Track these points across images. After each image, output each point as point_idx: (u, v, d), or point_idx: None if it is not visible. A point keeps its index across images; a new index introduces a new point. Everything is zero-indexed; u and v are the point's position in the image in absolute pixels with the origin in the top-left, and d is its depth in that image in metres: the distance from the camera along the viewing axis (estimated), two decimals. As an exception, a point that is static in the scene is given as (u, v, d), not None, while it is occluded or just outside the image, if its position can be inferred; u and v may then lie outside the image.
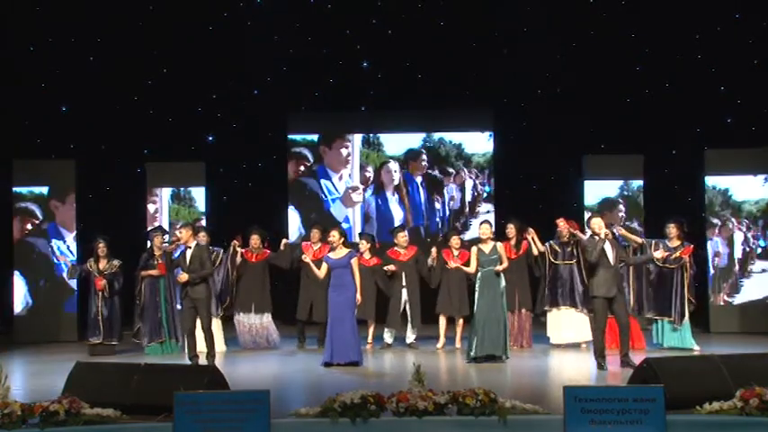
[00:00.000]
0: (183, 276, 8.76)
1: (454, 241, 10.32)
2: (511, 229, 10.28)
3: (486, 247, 9.13)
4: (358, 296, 8.93)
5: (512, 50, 13.48)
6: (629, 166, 12.46)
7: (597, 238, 8.36)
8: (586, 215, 12.09)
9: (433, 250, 10.36)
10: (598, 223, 8.42)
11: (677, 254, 9.72)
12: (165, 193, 12.79)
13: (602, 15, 13.34)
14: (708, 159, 12.09)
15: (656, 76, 13.39)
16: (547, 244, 10.27)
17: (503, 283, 9.07)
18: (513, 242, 10.23)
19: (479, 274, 9.05)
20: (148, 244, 10.47)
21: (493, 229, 9.38)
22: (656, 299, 9.84)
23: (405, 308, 10.29)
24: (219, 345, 10.14)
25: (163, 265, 10.12)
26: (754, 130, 12.90)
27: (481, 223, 9.42)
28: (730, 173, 12.03)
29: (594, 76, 13.09)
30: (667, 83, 13.44)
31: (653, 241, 9.95)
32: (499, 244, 9.26)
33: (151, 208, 12.69)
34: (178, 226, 9.40)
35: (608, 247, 8.33)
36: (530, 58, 13.18)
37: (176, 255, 9.34)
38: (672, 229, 9.82)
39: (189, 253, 8.86)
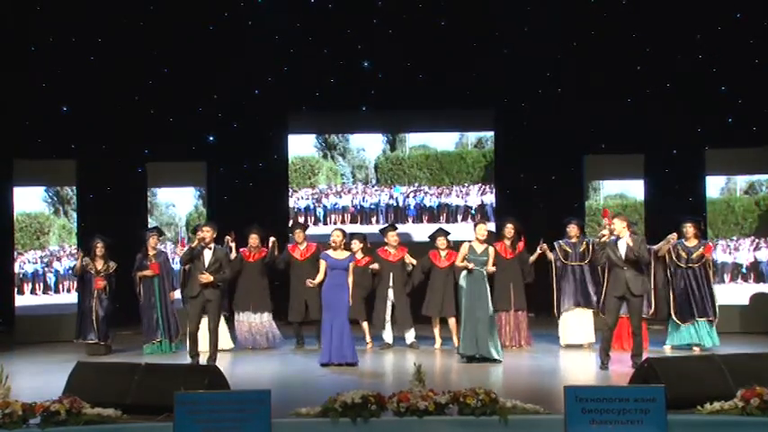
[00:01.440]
0: (208, 277, 8.71)
1: (440, 242, 10.28)
2: (509, 229, 10.27)
3: (479, 247, 9.13)
4: (350, 299, 8.96)
5: (512, 50, 13.48)
6: (630, 166, 12.44)
7: (605, 237, 8.38)
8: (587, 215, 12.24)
9: (407, 256, 10.28)
10: (615, 224, 8.41)
11: (698, 252, 9.72)
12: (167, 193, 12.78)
13: (602, 15, 13.34)
14: (708, 159, 12.08)
15: (657, 75, 13.39)
16: (556, 244, 10.26)
17: (487, 282, 9.07)
18: (508, 242, 10.22)
19: (464, 272, 9.06)
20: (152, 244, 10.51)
21: (486, 232, 9.31)
22: (689, 300, 9.73)
23: (391, 308, 10.24)
24: (227, 342, 10.20)
25: (156, 264, 10.15)
26: (755, 130, 12.90)
27: (478, 224, 9.40)
28: (731, 173, 12.01)
29: (595, 75, 13.08)
30: (668, 82, 13.44)
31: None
32: (491, 248, 9.24)
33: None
34: (202, 225, 9.37)
35: (622, 247, 8.32)
36: (530, 58, 13.19)
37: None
38: (689, 229, 9.79)
39: (207, 253, 8.83)
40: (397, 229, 10.70)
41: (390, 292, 10.24)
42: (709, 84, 13.17)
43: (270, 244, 10.47)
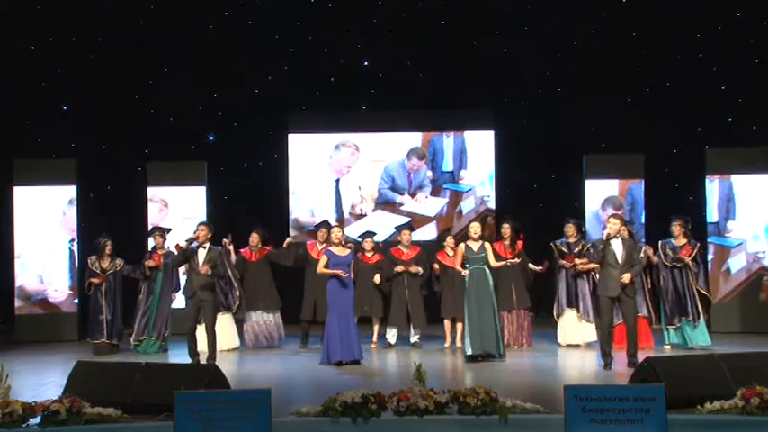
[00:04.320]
0: (206, 268, 8.72)
1: (449, 241, 10.29)
2: (506, 229, 10.29)
3: (475, 245, 9.17)
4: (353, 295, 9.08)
5: (512, 50, 13.48)
6: (630, 166, 12.44)
7: (605, 237, 8.37)
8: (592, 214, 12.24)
9: (413, 265, 10.29)
10: (611, 223, 8.41)
11: (678, 254, 9.77)
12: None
13: (602, 15, 13.35)
14: (709, 158, 12.08)
15: (657, 74, 13.39)
16: (552, 244, 10.28)
17: (491, 280, 9.10)
18: (507, 242, 10.23)
19: (468, 272, 9.08)
20: (150, 244, 10.51)
21: (478, 230, 9.34)
22: (676, 300, 9.82)
23: (407, 307, 10.27)
24: (233, 341, 10.24)
25: (157, 255, 10.18)
26: (755, 129, 12.90)
27: (471, 222, 9.43)
28: (731, 172, 12.00)
29: (595, 75, 13.08)
30: (668, 82, 13.44)
31: (659, 243, 9.98)
32: (487, 243, 9.28)
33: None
34: (196, 224, 9.39)
35: (617, 246, 8.32)
36: (530, 57, 13.19)
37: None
38: (676, 228, 9.84)
39: (202, 253, 8.85)
40: (410, 228, 10.67)
41: (406, 292, 10.25)
42: (710, 83, 13.16)
43: (285, 245, 10.49)
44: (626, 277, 8.27)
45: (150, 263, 10.18)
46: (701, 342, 9.73)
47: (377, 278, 10.19)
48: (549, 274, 10.34)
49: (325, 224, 10.69)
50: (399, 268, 10.22)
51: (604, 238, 8.35)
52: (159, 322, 10.14)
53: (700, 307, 9.75)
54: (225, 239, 10.16)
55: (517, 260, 9.61)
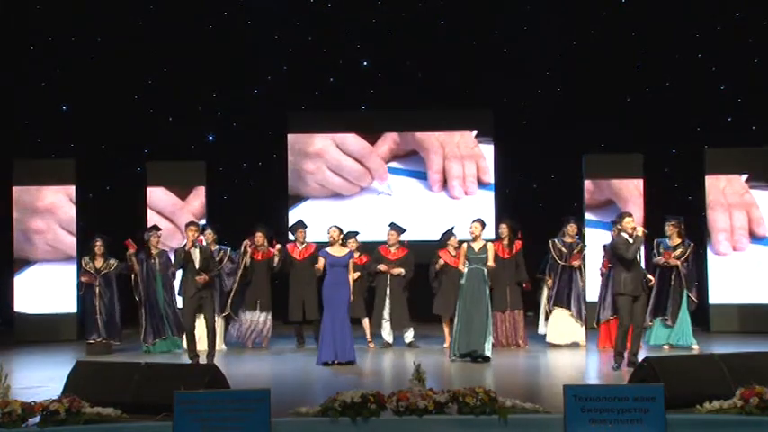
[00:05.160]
0: (205, 278, 8.76)
1: (452, 241, 10.30)
2: (504, 229, 10.30)
3: (477, 245, 9.17)
4: (351, 296, 9.00)
5: (512, 50, 13.48)
6: (629, 166, 12.43)
7: (627, 235, 8.28)
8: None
9: (394, 268, 10.30)
10: (630, 222, 8.35)
11: (677, 252, 9.82)
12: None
13: (602, 14, 13.35)
14: (708, 159, 12.07)
15: (656, 74, 13.39)
16: (551, 242, 10.29)
17: (488, 282, 9.10)
18: (505, 242, 10.24)
19: (465, 271, 9.08)
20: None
21: (483, 227, 9.36)
22: (656, 299, 9.86)
23: (389, 307, 10.24)
24: (218, 344, 10.19)
25: (129, 242, 10.15)
26: (755, 130, 12.90)
27: (472, 222, 9.40)
28: (731, 172, 11.99)
29: (594, 75, 13.08)
30: (667, 82, 13.44)
31: (655, 241, 10.00)
32: (489, 244, 9.27)
33: None
34: (186, 224, 9.39)
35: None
36: (530, 57, 13.19)
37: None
38: (669, 228, 9.88)
39: (196, 252, 8.86)
40: (399, 229, 10.59)
41: (388, 291, 10.25)
42: (709, 83, 13.17)
43: (276, 251, 10.45)
44: (650, 277, 8.36)
45: (130, 250, 10.07)
46: (677, 342, 9.77)
47: (383, 267, 10.18)
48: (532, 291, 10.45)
49: (300, 224, 10.71)
50: (382, 267, 10.23)
51: (640, 234, 8.28)
52: (174, 319, 10.15)
53: (680, 308, 9.78)
54: (246, 241, 10.24)
55: (492, 265, 9.44)
